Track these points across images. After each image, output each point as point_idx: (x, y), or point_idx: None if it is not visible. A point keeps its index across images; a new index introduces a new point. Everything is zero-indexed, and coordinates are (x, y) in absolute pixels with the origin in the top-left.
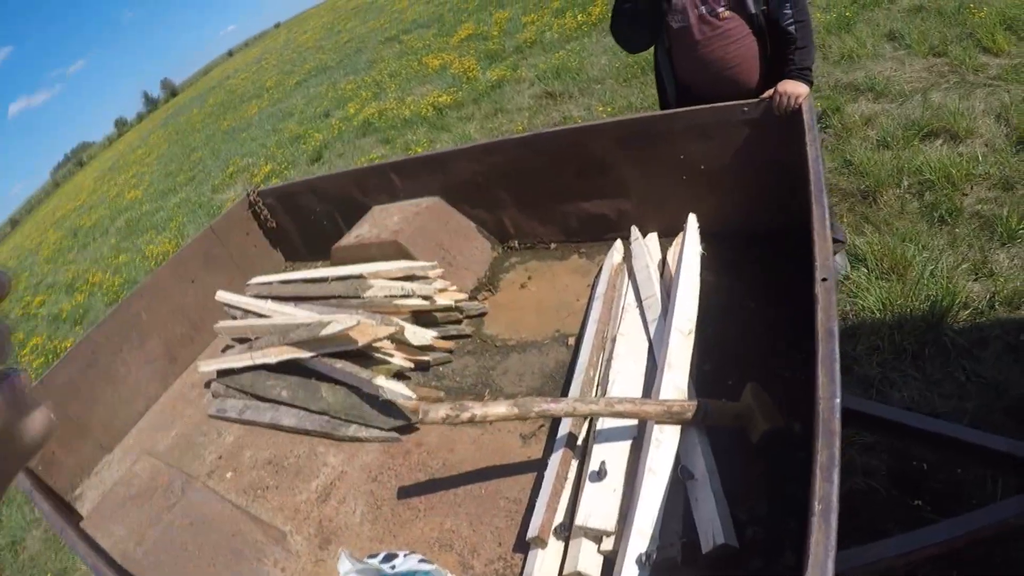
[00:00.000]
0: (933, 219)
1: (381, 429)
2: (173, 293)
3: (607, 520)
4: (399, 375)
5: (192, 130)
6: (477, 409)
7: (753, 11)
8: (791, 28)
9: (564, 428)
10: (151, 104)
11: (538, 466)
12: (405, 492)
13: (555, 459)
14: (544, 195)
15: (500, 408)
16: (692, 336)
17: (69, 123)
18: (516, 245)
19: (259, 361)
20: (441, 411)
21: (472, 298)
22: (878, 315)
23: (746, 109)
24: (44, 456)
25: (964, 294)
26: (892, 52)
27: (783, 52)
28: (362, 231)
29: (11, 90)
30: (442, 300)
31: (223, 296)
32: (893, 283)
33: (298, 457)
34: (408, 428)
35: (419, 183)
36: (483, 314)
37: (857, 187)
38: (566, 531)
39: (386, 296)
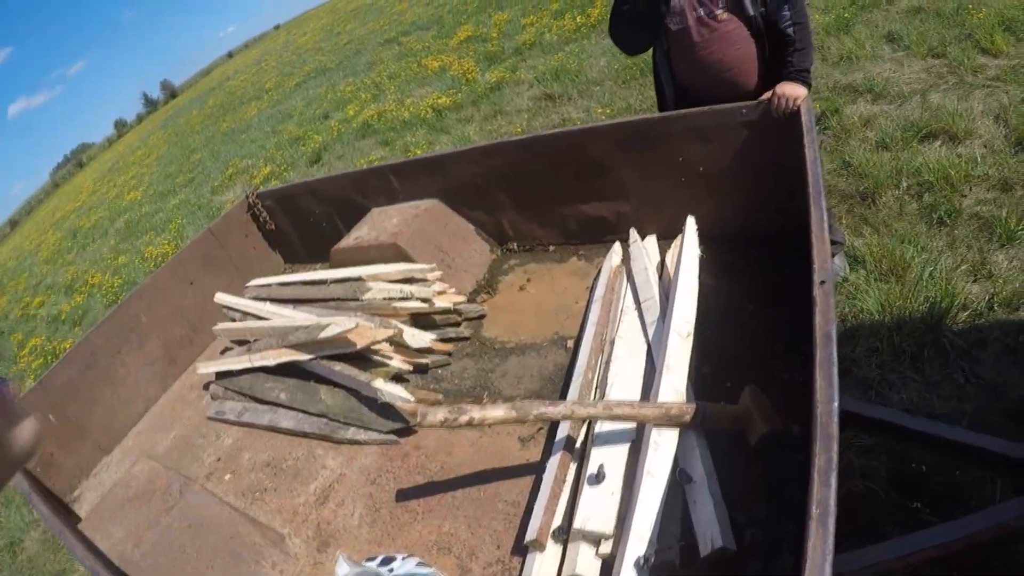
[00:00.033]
0: (932, 220)
1: (379, 432)
2: (172, 295)
3: (605, 523)
4: (398, 377)
5: (191, 131)
6: (475, 412)
7: (751, 13)
8: (789, 30)
9: (562, 431)
10: (151, 105)
11: (536, 469)
12: (403, 495)
13: (553, 462)
14: (543, 197)
15: (498, 411)
16: (691, 338)
17: (69, 124)
18: (515, 247)
19: (258, 363)
20: (439, 414)
21: (471, 300)
22: (877, 317)
23: (744, 111)
24: (43, 458)
25: (963, 295)
26: (891, 53)
27: (781, 54)
28: (361, 233)
29: (11, 90)
30: (441, 302)
31: (222, 298)
32: (892, 285)
33: (296, 459)
34: (406, 431)
35: (418, 185)
36: (482, 316)
37: (856, 189)
38: (564, 534)
39: (385, 298)
